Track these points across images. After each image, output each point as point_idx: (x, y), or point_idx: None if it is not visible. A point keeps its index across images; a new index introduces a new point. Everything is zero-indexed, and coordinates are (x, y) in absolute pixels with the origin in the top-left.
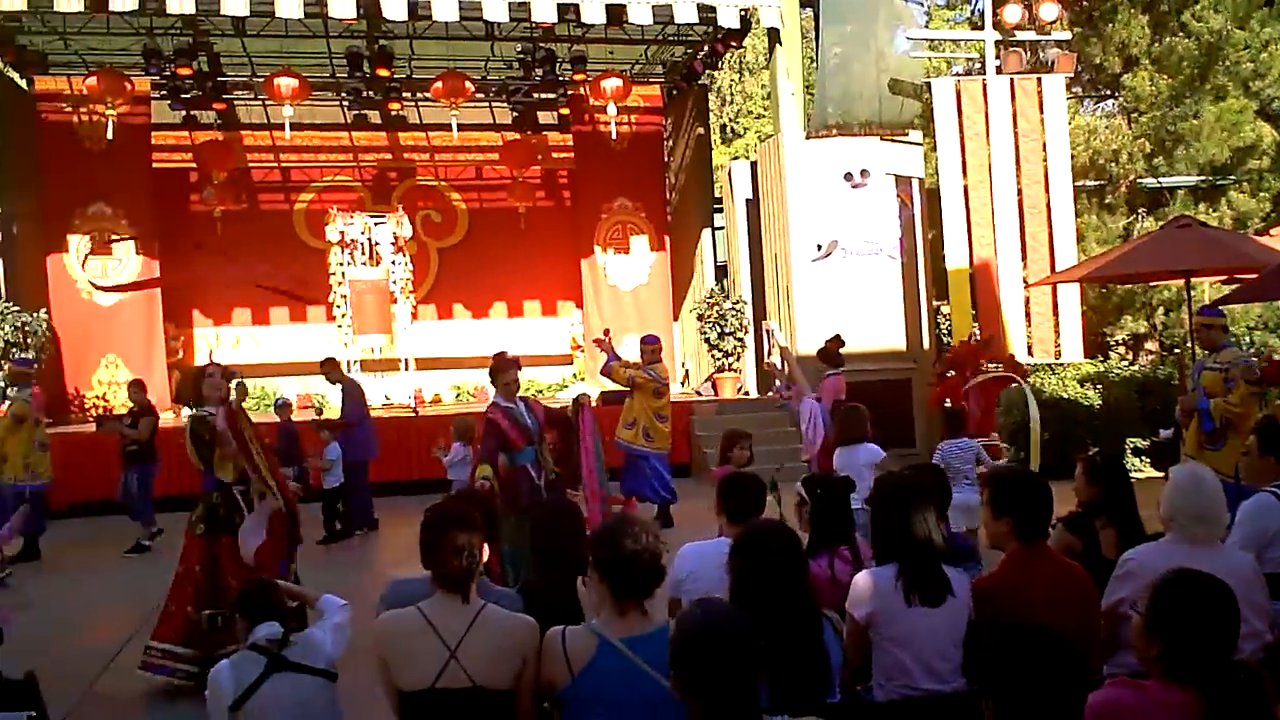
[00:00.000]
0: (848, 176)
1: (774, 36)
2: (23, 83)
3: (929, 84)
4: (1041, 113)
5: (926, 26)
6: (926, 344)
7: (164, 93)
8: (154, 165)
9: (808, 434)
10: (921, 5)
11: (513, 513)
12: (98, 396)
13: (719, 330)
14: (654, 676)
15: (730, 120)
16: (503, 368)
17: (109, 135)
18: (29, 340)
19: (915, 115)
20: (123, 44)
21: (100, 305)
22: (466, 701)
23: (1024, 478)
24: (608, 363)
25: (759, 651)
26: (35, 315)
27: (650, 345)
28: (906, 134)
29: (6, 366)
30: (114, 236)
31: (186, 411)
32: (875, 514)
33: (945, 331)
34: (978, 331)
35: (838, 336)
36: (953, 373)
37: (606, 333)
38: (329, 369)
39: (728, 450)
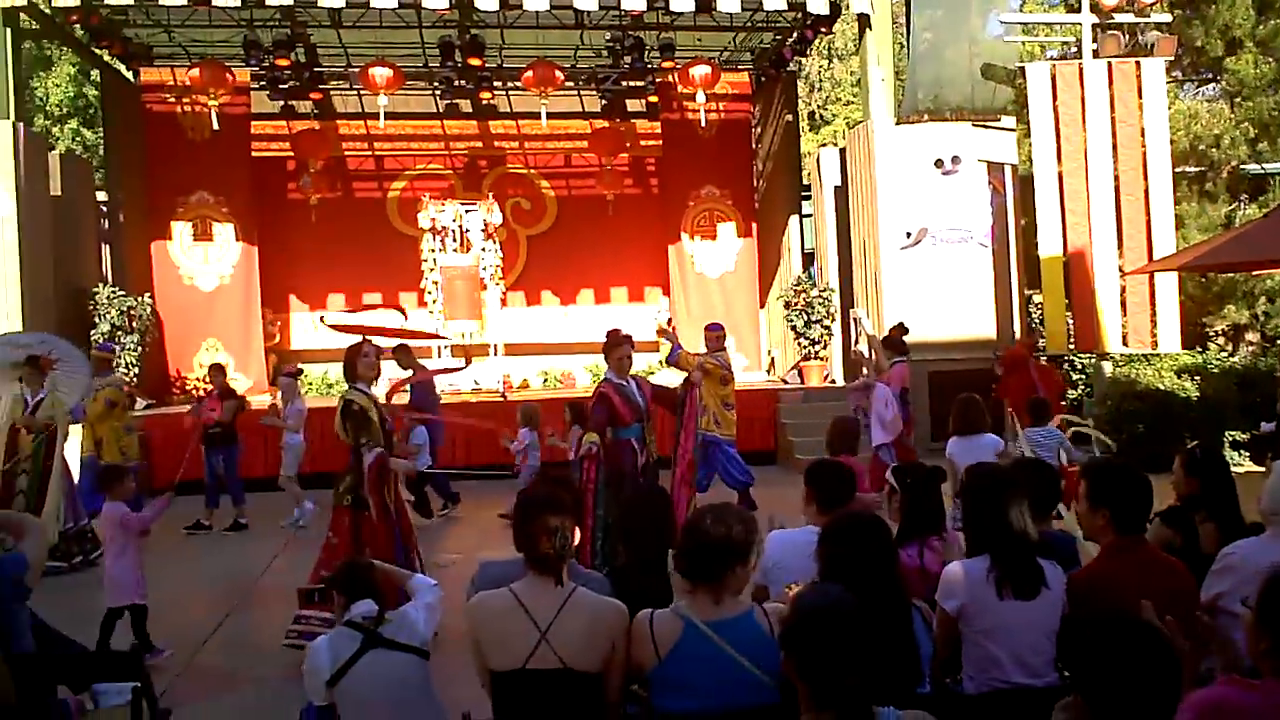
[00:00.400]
0: (938, 163)
1: (864, 22)
2: (129, 74)
3: (1023, 69)
4: (1140, 97)
5: (1020, 10)
6: (1018, 333)
7: (263, 83)
8: (253, 154)
9: (885, 417)
10: None
11: (612, 485)
12: (198, 379)
13: (806, 318)
14: (738, 660)
15: (818, 107)
16: (616, 344)
17: (214, 125)
18: (134, 324)
19: (1008, 101)
20: (224, 36)
21: (201, 290)
22: (556, 682)
23: (1123, 469)
24: (673, 351)
25: (873, 638)
26: (140, 300)
27: (714, 333)
28: (999, 119)
29: (90, 352)
30: (215, 223)
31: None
32: (968, 505)
33: (1037, 321)
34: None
35: (901, 324)
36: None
37: (670, 322)
38: (401, 355)
39: (847, 439)
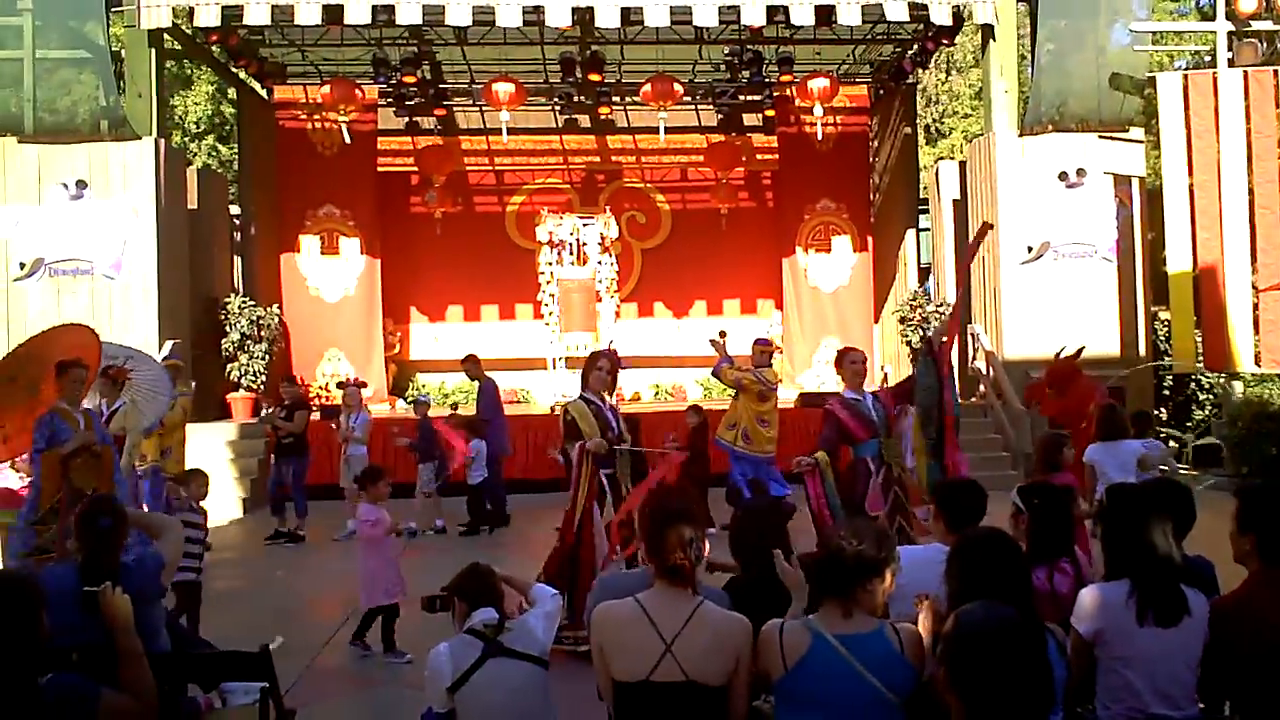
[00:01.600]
0: (1063, 176)
1: (987, 32)
2: (263, 92)
3: (1153, 78)
4: (1278, 107)
5: (1149, 19)
6: (1143, 350)
7: (390, 100)
8: (378, 169)
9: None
10: None
11: (849, 507)
12: (320, 388)
13: (921, 333)
14: (865, 676)
15: (934, 121)
16: (846, 354)
17: (346, 139)
18: (262, 333)
19: (1136, 111)
20: (354, 54)
21: (326, 301)
22: (680, 695)
23: (1275, 492)
24: (718, 364)
25: (1037, 659)
26: (268, 310)
27: (762, 347)
28: (1126, 131)
29: (168, 363)
30: (341, 236)
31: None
32: (1107, 526)
33: (1163, 338)
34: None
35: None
36: (1050, 390)
37: (723, 334)
38: (469, 365)
39: (1052, 456)
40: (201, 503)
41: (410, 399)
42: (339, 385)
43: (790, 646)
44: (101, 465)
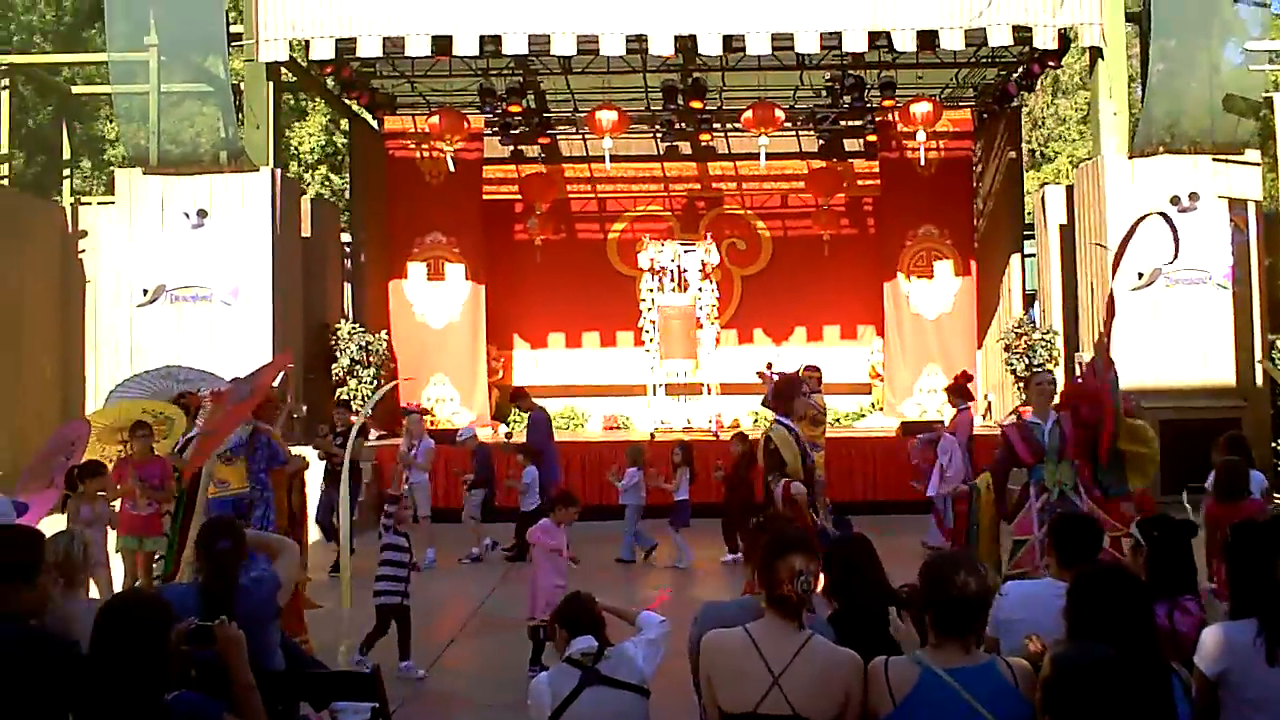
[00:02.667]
0: (1174, 200)
1: (1095, 54)
2: (374, 123)
3: (1269, 99)
4: None
5: (1264, 37)
6: (1260, 380)
7: (495, 129)
8: (483, 197)
9: (947, 470)
10: (1266, 6)
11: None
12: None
13: (1027, 361)
14: (977, 708)
15: (1039, 145)
16: (1034, 377)
17: (450, 169)
18: (370, 358)
19: (1252, 134)
20: (461, 85)
21: (432, 328)
22: None
23: None
24: (768, 395)
25: (1135, 698)
26: (376, 336)
27: (813, 374)
28: (1242, 153)
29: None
30: (447, 264)
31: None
32: (1233, 564)
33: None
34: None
35: (965, 372)
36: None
37: (769, 365)
38: (519, 398)
39: (1236, 483)
40: (404, 526)
41: (459, 440)
42: (403, 412)
43: (897, 681)
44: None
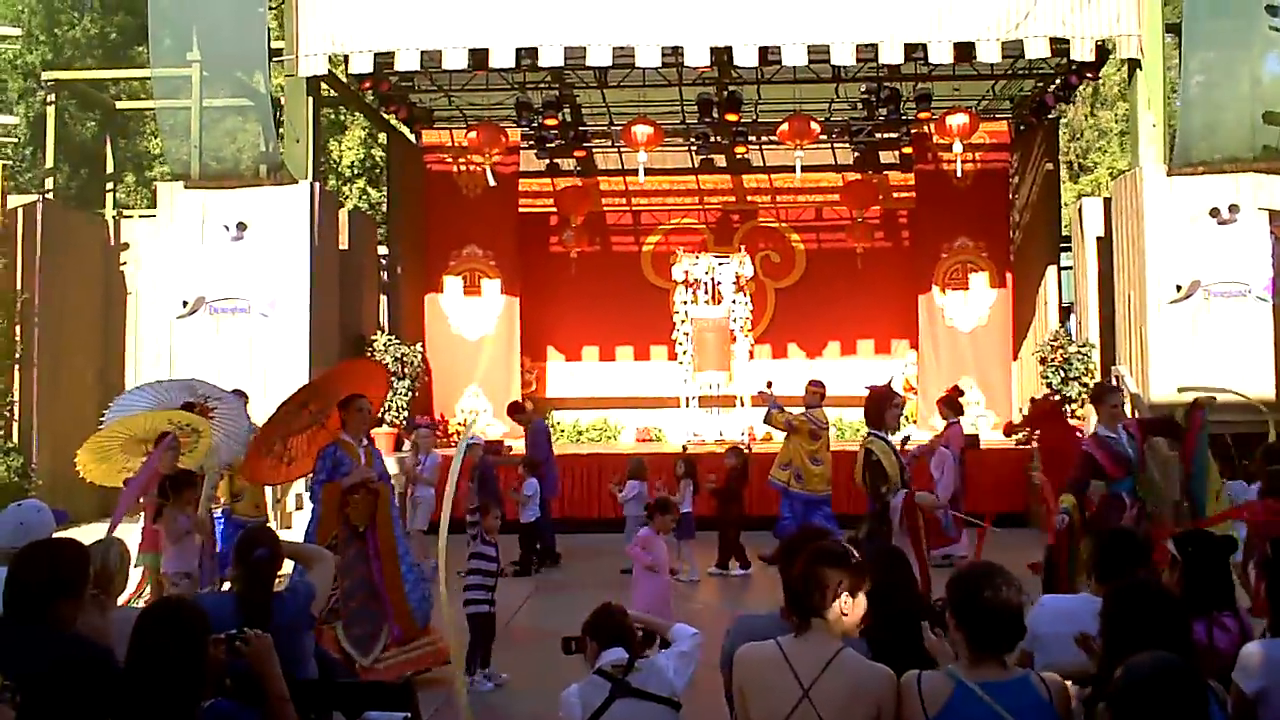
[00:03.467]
0: (1214, 212)
1: (1133, 66)
2: (411, 137)
3: None
4: None
5: None
6: None
7: (531, 143)
8: (519, 210)
9: (939, 482)
10: None
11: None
12: (459, 424)
13: (1063, 374)
14: None
15: (1078, 157)
16: (1106, 394)
17: (490, 182)
18: (406, 370)
19: None
20: (498, 99)
21: (467, 340)
22: None
23: None
24: (768, 410)
25: (1205, 708)
26: (412, 348)
27: (814, 388)
28: None
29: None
30: (483, 278)
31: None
32: (1273, 580)
33: None
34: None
35: (957, 386)
36: (1034, 432)
37: (769, 384)
38: (516, 411)
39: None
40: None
41: (466, 446)
42: (407, 425)
43: (931, 695)
44: (379, 502)
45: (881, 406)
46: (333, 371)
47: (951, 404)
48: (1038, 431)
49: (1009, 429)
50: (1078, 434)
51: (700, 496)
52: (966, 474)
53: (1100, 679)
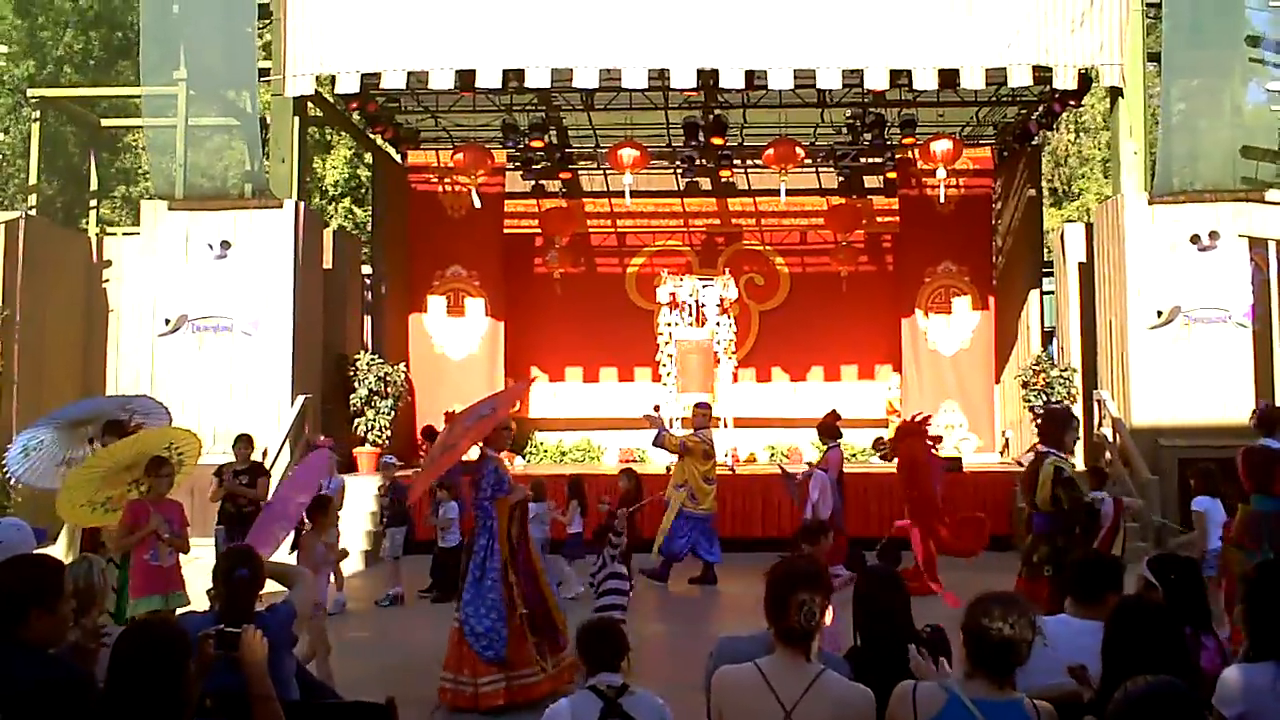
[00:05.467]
0: (1194, 239)
1: (1115, 94)
2: (397, 157)
3: None
4: None
5: None
6: None
7: (517, 164)
8: (504, 231)
9: (819, 507)
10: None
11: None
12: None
13: (1045, 398)
14: None
15: (1062, 184)
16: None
17: (476, 204)
18: (389, 390)
19: (1274, 174)
20: (484, 120)
21: (451, 360)
22: None
23: None
24: (659, 434)
25: None
26: (395, 368)
27: (701, 410)
28: (1263, 195)
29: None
30: (467, 298)
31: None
32: (1254, 604)
33: None
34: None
35: (834, 411)
36: (890, 450)
37: (657, 408)
38: (430, 435)
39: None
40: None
41: (380, 468)
42: (305, 445)
43: (924, 705)
44: (521, 516)
45: (1062, 429)
46: (507, 392)
47: (829, 430)
48: (899, 447)
49: (878, 445)
50: (934, 452)
51: (591, 516)
52: (845, 497)
53: (1100, 702)
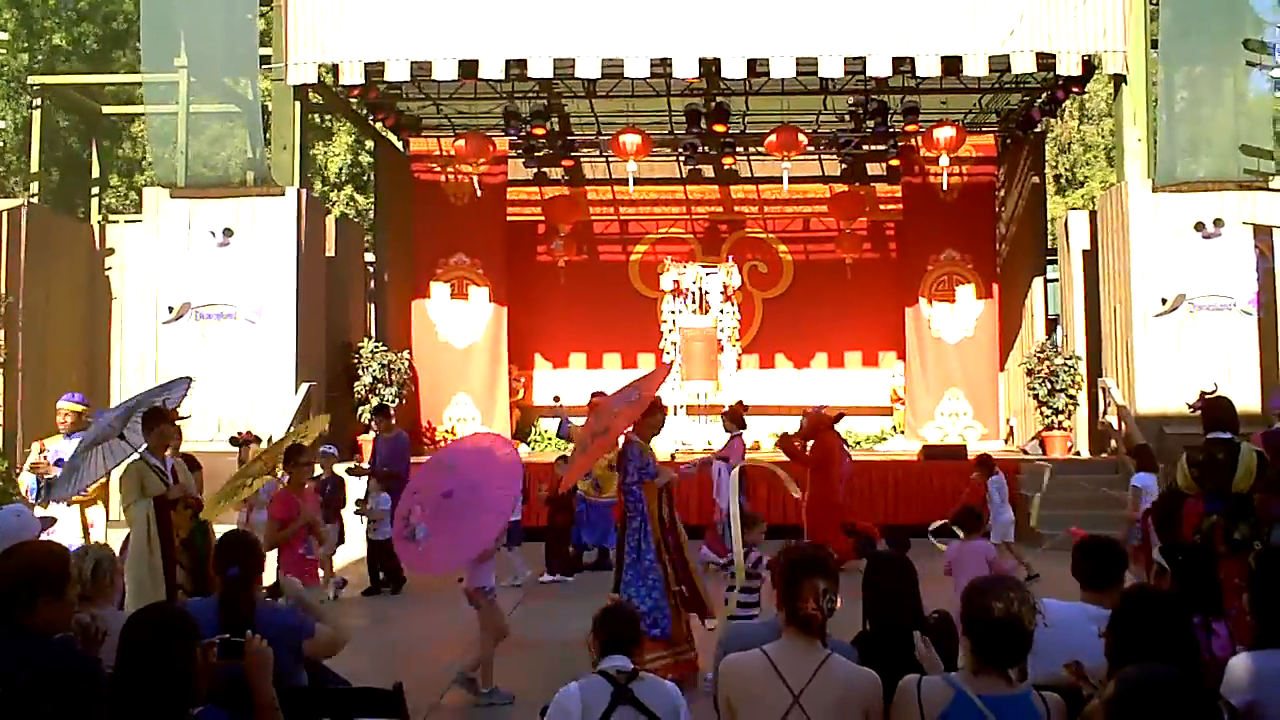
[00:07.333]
0: (1199, 226)
1: (1118, 81)
2: (399, 144)
3: None
4: None
5: None
6: None
7: (519, 152)
8: (507, 219)
9: (720, 494)
10: None
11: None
12: (446, 431)
13: (1049, 386)
14: None
15: (1067, 170)
16: None
17: (477, 192)
18: (393, 377)
19: (1276, 167)
20: (486, 108)
21: (455, 348)
22: None
23: None
24: (562, 426)
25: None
26: (399, 355)
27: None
28: (1267, 182)
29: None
30: (470, 285)
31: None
32: (1259, 590)
33: None
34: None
35: (741, 401)
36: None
37: (556, 399)
38: (379, 418)
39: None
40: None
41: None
42: (231, 440)
43: (929, 701)
44: (665, 497)
45: (1234, 414)
46: (652, 376)
47: (734, 417)
48: (810, 442)
49: (782, 442)
50: (845, 446)
51: (530, 505)
52: (747, 486)
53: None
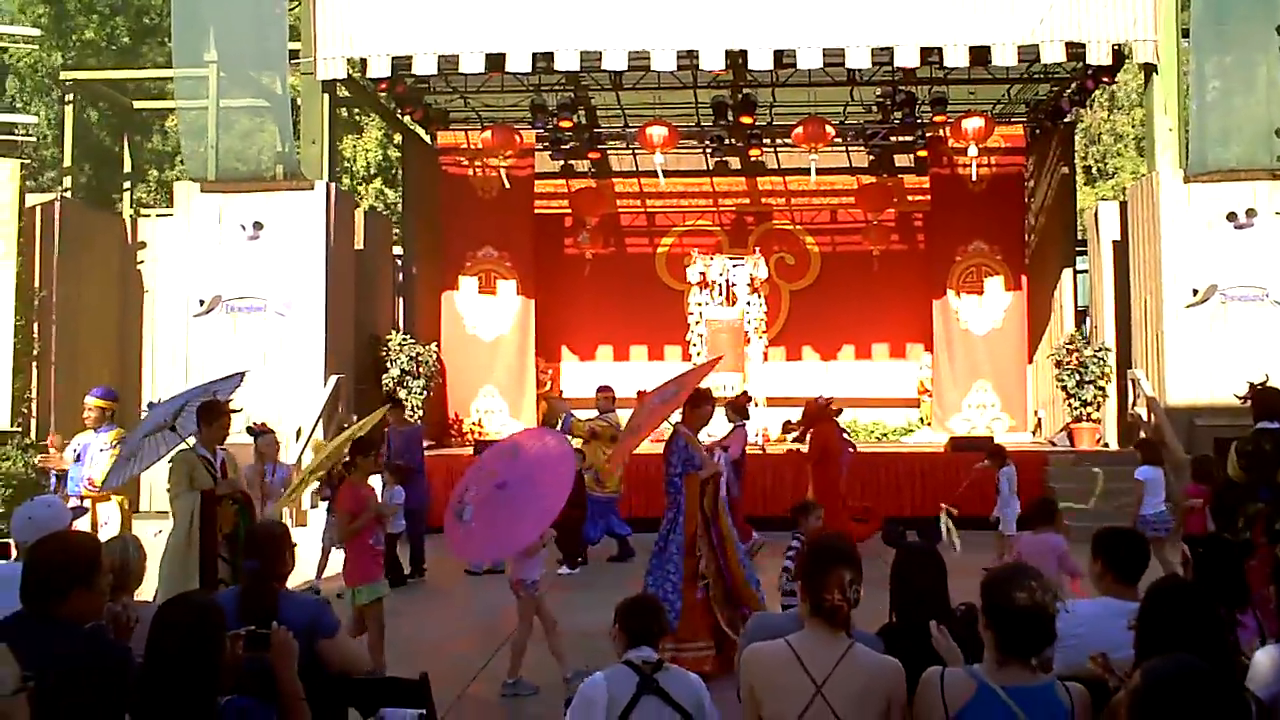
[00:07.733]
0: (1230, 217)
1: (1149, 71)
2: (427, 138)
3: None
4: None
5: None
6: None
7: (546, 145)
8: (535, 212)
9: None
10: None
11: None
12: (474, 423)
13: (1078, 378)
14: None
15: (1097, 161)
16: None
17: (505, 185)
18: (421, 370)
19: None
20: (513, 101)
21: (482, 340)
22: None
23: None
24: (565, 419)
25: (1233, 710)
26: (426, 348)
27: (604, 394)
28: None
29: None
30: (498, 279)
31: None
32: None
33: None
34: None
35: (745, 393)
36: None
37: (547, 394)
38: (393, 411)
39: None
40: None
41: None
42: (248, 430)
43: (953, 694)
44: (712, 490)
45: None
46: (695, 370)
47: (738, 408)
48: (810, 430)
49: (786, 428)
50: (845, 434)
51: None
52: (746, 477)
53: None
